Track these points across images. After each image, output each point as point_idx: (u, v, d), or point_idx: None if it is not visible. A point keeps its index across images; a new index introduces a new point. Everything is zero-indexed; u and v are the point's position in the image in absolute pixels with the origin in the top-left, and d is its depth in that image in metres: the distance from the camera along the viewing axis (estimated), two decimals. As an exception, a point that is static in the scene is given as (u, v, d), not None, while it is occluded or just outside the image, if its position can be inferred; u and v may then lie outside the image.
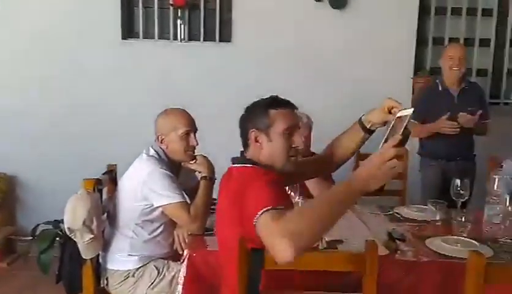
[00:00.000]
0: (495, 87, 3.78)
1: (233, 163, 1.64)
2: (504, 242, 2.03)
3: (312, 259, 1.42)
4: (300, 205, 2.06)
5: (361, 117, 1.73)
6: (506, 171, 2.64)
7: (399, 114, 1.42)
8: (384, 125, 1.65)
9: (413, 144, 3.17)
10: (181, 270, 1.88)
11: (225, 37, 3.66)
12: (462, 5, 3.68)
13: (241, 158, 1.64)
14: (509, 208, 2.07)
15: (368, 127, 1.71)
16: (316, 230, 1.19)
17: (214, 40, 3.66)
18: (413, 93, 3.56)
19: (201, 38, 3.67)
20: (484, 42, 3.73)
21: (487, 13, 3.70)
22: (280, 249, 1.13)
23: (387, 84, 3.51)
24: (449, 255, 1.83)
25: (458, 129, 2.92)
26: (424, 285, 1.77)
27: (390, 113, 1.60)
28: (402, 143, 1.20)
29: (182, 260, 1.89)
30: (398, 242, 1.95)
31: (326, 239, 1.91)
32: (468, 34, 3.71)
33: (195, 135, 2.13)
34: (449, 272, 1.74)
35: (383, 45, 3.56)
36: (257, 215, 1.28)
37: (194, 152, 2.13)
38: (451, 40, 3.67)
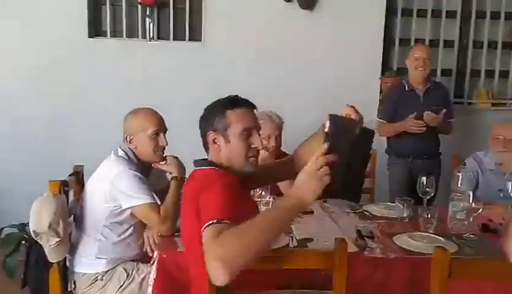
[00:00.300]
0: (459, 87, 3.90)
1: (195, 166, 1.63)
2: (468, 238, 2.09)
3: (282, 257, 1.43)
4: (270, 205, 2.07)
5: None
6: (468, 168, 2.74)
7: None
8: None
9: (380, 143, 3.24)
10: (151, 272, 1.85)
11: (195, 36, 3.64)
12: (427, 6, 3.77)
13: (201, 161, 1.62)
14: (473, 204, 2.13)
15: None
16: (253, 249, 1.20)
17: (184, 39, 3.64)
18: (380, 92, 3.63)
19: (171, 37, 3.64)
20: (448, 43, 3.84)
21: (451, 14, 3.81)
22: (214, 273, 1.16)
23: (355, 84, 3.58)
24: (416, 250, 1.88)
25: (424, 128, 2.99)
26: (392, 281, 1.80)
27: None
28: (330, 150, 1.24)
29: (152, 262, 1.87)
30: (367, 239, 1.99)
31: (297, 238, 1.92)
32: (433, 35, 3.81)
33: (164, 135, 2.10)
34: (416, 268, 1.78)
35: (351, 45, 3.62)
36: (203, 226, 1.29)
37: (163, 153, 2.11)
38: (416, 41, 3.76)
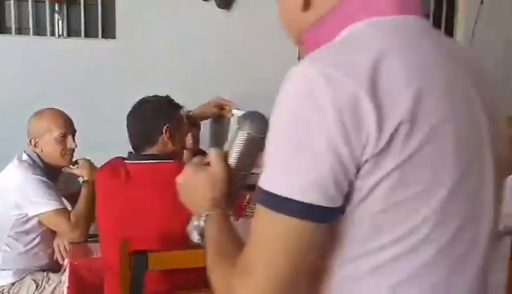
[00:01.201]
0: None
1: (152, 160, 1.63)
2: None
3: (193, 256, 1.43)
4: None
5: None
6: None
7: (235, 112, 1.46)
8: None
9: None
10: (62, 281, 1.78)
11: (109, 33, 3.52)
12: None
13: (153, 155, 1.65)
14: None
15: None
16: None
17: (97, 37, 3.50)
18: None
19: (82, 34, 3.48)
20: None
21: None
22: None
23: (274, 84, 3.65)
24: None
25: None
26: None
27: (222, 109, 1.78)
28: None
29: (62, 271, 1.80)
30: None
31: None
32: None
33: (73, 138, 2.02)
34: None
35: (268, 44, 3.69)
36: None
37: (72, 155, 2.03)
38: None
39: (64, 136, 1.98)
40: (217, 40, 3.60)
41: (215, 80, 3.62)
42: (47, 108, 2.05)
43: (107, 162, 1.69)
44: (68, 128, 2.02)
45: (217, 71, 3.61)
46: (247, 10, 3.64)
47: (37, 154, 1.98)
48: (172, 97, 1.71)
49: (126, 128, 1.71)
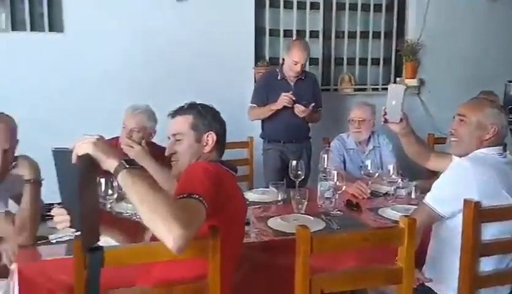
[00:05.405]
0: (325, 75, 4.15)
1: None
2: (335, 214, 2.24)
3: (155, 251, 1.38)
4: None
5: None
6: (334, 149, 2.94)
7: None
8: None
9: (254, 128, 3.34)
10: (11, 286, 1.68)
11: (56, 26, 3.36)
12: (293, -1, 3.95)
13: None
14: (337, 183, 2.29)
15: None
16: None
17: (43, 30, 3.34)
18: (255, 81, 3.72)
19: (28, 28, 3.32)
20: (314, 34, 4.06)
21: (315, 6, 4.02)
22: None
23: (230, 74, 3.63)
24: (288, 232, 1.96)
25: (293, 99, 3.11)
26: (267, 263, 1.86)
27: None
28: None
29: (10, 276, 1.69)
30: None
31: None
32: (299, 26, 4.00)
33: (3, 153, 1.85)
34: (287, 248, 1.85)
35: (225, 36, 3.65)
36: None
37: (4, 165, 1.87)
38: (285, 32, 3.92)
39: None
40: (174, 30, 3.51)
41: (175, 72, 3.53)
42: None
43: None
44: None
45: (176, 61, 3.52)
46: (203, 1, 3.58)
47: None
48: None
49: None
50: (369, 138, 2.97)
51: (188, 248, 1.35)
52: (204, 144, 1.66)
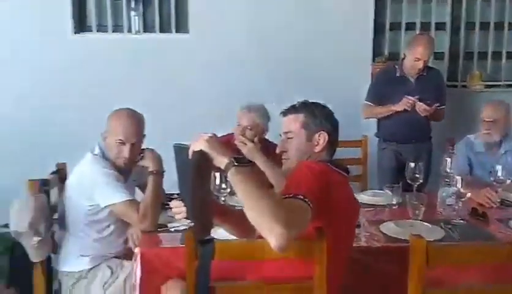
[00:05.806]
0: (452, 70, 3.83)
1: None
2: (457, 223, 2.05)
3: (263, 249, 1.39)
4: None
5: None
6: (459, 152, 2.69)
7: None
8: None
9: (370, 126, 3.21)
10: (134, 268, 1.83)
11: (182, 28, 3.59)
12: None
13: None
14: (461, 189, 2.09)
15: None
16: None
17: (170, 32, 3.59)
18: (372, 78, 3.57)
19: (157, 30, 3.59)
20: (440, 26, 3.76)
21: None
22: None
23: (347, 71, 3.53)
24: (402, 238, 1.84)
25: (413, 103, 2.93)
26: (377, 269, 1.77)
27: None
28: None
29: (134, 259, 1.85)
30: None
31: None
32: (425, 18, 3.74)
33: (132, 146, 2.01)
34: (401, 256, 1.75)
35: (342, 32, 3.56)
36: None
37: (129, 162, 2.04)
38: (408, 25, 3.70)
39: (122, 143, 2.01)
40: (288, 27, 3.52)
41: (293, 70, 3.55)
42: (122, 109, 2.08)
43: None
44: (128, 137, 2.00)
45: (294, 59, 3.54)
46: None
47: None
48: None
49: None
50: (501, 141, 2.66)
51: (295, 249, 1.34)
52: (316, 143, 1.63)
